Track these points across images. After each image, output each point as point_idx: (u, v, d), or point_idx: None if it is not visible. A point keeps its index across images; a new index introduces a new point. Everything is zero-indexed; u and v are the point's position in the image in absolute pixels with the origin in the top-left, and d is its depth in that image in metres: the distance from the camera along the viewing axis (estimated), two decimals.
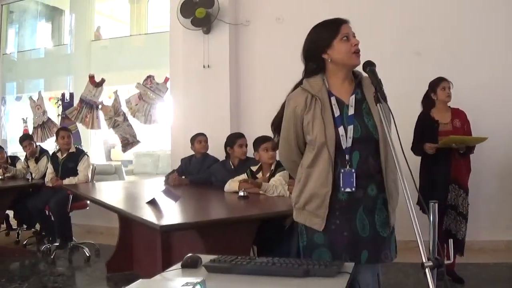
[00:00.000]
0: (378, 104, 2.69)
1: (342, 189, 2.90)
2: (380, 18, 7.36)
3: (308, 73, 3.11)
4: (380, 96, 2.69)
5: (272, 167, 5.67)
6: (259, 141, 5.75)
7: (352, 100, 2.99)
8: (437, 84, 5.86)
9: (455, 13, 7.32)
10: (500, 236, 7.17)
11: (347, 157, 2.90)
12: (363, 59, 2.94)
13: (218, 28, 7.76)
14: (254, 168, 5.85)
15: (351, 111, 2.96)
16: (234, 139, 6.50)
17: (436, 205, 2.37)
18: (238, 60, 8.00)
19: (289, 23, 7.65)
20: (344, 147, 2.90)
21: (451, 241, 5.19)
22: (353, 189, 2.89)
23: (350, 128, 2.92)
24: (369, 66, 2.86)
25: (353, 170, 2.88)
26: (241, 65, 8.01)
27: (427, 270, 2.14)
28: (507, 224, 7.05)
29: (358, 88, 3.05)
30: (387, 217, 2.98)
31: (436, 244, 2.32)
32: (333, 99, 2.99)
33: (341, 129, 2.91)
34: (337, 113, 2.95)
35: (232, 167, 6.42)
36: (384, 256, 3.00)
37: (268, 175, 5.67)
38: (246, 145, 6.47)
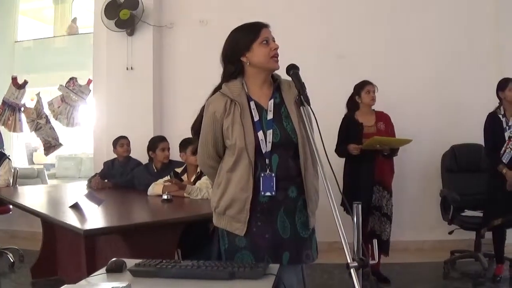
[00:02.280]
0: (301, 107, 2.73)
1: (262, 193, 2.92)
2: (303, 21, 7.45)
3: (227, 76, 3.11)
4: (303, 99, 2.74)
5: (198, 170, 5.63)
6: (187, 143, 5.72)
7: (270, 104, 3.01)
8: (362, 87, 5.96)
9: (378, 16, 7.52)
10: (425, 236, 7.39)
11: (267, 161, 2.93)
12: (287, 62, 2.96)
13: (142, 30, 7.71)
14: (178, 170, 5.84)
15: (270, 116, 2.98)
16: (156, 143, 6.47)
17: (360, 206, 2.41)
18: (162, 62, 7.95)
19: (213, 25, 7.68)
20: (264, 151, 2.92)
21: (375, 242, 5.32)
22: (273, 193, 2.92)
23: (269, 132, 2.94)
24: (293, 69, 2.90)
25: (273, 175, 2.91)
26: (164, 68, 7.97)
27: (352, 270, 2.17)
28: (431, 224, 7.22)
29: (277, 92, 3.06)
30: (307, 218, 3.01)
31: (360, 244, 2.36)
32: (252, 104, 3.00)
33: (260, 134, 2.93)
34: (256, 117, 2.97)
35: (155, 170, 6.39)
36: (306, 256, 3.02)
37: (193, 177, 5.66)
38: (168, 149, 6.46)
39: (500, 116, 5.81)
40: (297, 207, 2.98)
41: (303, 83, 2.82)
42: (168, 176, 5.72)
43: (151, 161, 6.53)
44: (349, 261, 2.19)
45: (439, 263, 6.38)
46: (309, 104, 2.77)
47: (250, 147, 2.88)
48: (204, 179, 5.47)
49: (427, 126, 7.28)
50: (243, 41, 3.02)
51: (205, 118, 3.09)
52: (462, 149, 6.82)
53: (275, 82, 3.09)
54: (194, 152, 5.54)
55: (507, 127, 5.74)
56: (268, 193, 2.93)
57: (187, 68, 7.85)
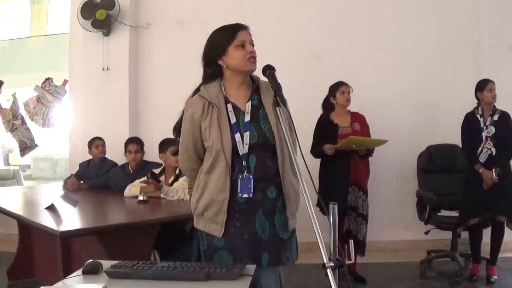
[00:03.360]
0: (277, 108, 2.73)
1: (240, 194, 2.94)
2: (281, 23, 7.46)
3: (205, 78, 3.13)
4: (280, 100, 2.75)
5: (177, 171, 5.65)
6: (167, 143, 5.74)
7: (248, 106, 3.03)
8: (337, 88, 5.98)
9: (355, 18, 7.57)
10: (401, 236, 7.44)
11: (244, 163, 2.94)
12: (264, 63, 2.98)
13: (118, 30, 7.67)
14: (156, 171, 5.81)
15: (247, 118, 3.00)
16: (125, 145, 6.51)
17: (336, 206, 2.42)
18: (138, 63, 7.90)
19: (189, 26, 7.67)
20: (241, 153, 2.94)
21: (351, 242, 5.34)
22: (251, 195, 2.94)
23: (247, 134, 2.96)
24: (269, 70, 2.91)
25: (251, 176, 2.92)
26: (140, 68, 7.91)
27: (328, 270, 2.18)
28: (407, 224, 7.28)
29: (255, 94, 3.08)
30: (286, 220, 3.02)
31: (337, 245, 2.37)
32: (229, 106, 3.02)
33: (237, 136, 2.95)
34: (233, 120, 2.99)
35: (131, 171, 6.38)
36: (285, 258, 3.04)
37: (171, 179, 5.67)
38: (137, 151, 6.45)
39: (478, 116, 5.87)
40: (277, 208, 3.00)
41: (279, 83, 2.83)
42: (145, 177, 5.70)
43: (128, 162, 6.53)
44: (325, 261, 2.21)
45: (415, 263, 6.42)
46: (285, 105, 2.79)
47: (227, 149, 2.90)
48: (182, 180, 5.48)
49: (403, 126, 7.34)
50: (219, 44, 3.03)
51: (184, 120, 3.13)
52: (438, 149, 6.88)
53: (254, 84, 3.11)
54: (175, 153, 5.56)
55: (485, 127, 5.80)
56: (245, 195, 2.95)
57: (163, 69, 7.83)
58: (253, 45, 3.03)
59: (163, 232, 4.53)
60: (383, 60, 7.47)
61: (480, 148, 5.79)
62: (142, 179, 5.67)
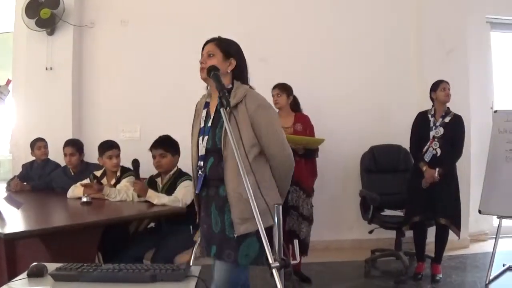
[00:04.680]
0: (221, 109, 2.77)
1: (197, 190, 3.41)
2: (225, 24, 7.45)
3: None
4: (224, 101, 2.80)
5: (118, 174, 5.68)
6: (104, 147, 5.73)
7: (214, 112, 3.33)
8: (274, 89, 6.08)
9: (301, 19, 7.68)
10: (344, 236, 7.58)
11: (201, 163, 3.30)
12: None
13: (63, 29, 7.56)
14: (98, 173, 5.82)
15: (209, 123, 3.30)
16: (63, 148, 6.42)
17: (280, 207, 2.49)
18: (82, 62, 7.79)
19: (134, 25, 7.63)
20: (200, 154, 3.35)
21: (296, 242, 5.38)
22: (197, 191, 3.42)
23: (205, 138, 3.27)
24: (213, 70, 3.08)
25: (203, 175, 3.30)
26: (84, 68, 7.80)
27: (274, 270, 2.19)
28: (351, 224, 7.44)
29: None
30: (232, 223, 3.19)
31: (281, 245, 2.41)
32: (203, 112, 3.37)
33: (200, 139, 3.31)
34: (202, 124, 3.35)
35: (73, 173, 6.33)
36: (227, 255, 3.22)
37: (113, 181, 5.67)
38: (72, 154, 6.37)
39: (430, 115, 6.02)
40: (226, 207, 3.22)
41: (224, 85, 2.97)
42: (88, 180, 5.71)
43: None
44: (270, 261, 2.23)
45: (360, 262, 6.55)
46: (229, 106, 2.85)
47: (194, 149, 3.35)
48: (125, 181, 5.51)
49: (346, 127, 7.49)
50: None
51: None
52: (381, 149, 7.03)
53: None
54: (111, 157, 5.66)
55: (434, 127, 5.93)
56: (197, 191, 3.42)
57: (107, 69, 7.74)
58: (210, 55, 3.36)
59: (106, 233, 4.53)
60: (329, 61, 7.63)
61: (426, 147, 5.92)
62: (85, 181, 5.65)
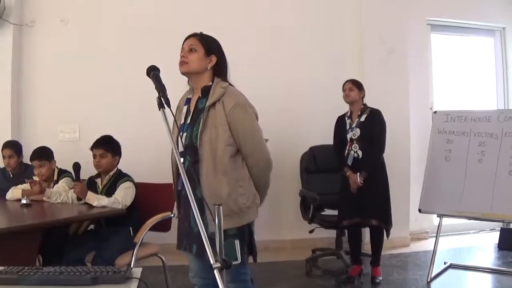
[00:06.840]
0: (161, 109, 2.72)
1: (178, 187, 3.51)
2: (161, 22, 7.41)
3: None
4: (164, 101, 2.74)
5: (55, 177, 5.66)
6: (34, 155, 5.73)
7: (193, 109, 3.36)
8: None
9: (235, 15, 7.73)
10: (285, 235, 7.64)
11: (182, 159, 3.20)
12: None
13: (2, 28, 7.35)
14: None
15: (188, 120, 3.32)
16: (1, 150, 6.29)
17: (221, 208, 2.51)
18: (21, 62, 7.61)
19: (74, 24, 7.51)
20: (179, 151, 3.13)
21: (237, 242, 5.39)
22: (179, 188, 3.50)
23: (184, 135, 3.28)
24: (153, 71, 2.89)
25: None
26: (24, 68, 7.62)
27: (215, 271, 2.21)
28: (291, 224, 7.50)
29: (204, 97, 3.34)
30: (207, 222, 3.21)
31: (222, 245, 2.42)
32: (184, 108, 3.38)
33: (183, 136, 3.28)
34: (182, 120, 3.35)
35: (11, 176, 6.22)
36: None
37: (52, 184, 5.62)
38: (11, 156, 6.20)
39: (346, 118, 6.07)
40: (204, 206, 3.15)
41: (164, 85, 2.84)
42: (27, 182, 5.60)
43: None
44: (212, 262, 2.25)
45: (301, 262, 6.60)
46: (169, 106, 2.79)
47: (175, 146, 3.05)
48: (61, 182, 5.48)
49: (286, 126, 7.56)
50: None
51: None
52: (321, 149, 7.08)
53: (207, 88, 3.39)
54: (41, 165, 5.63)
55: (350, 129, 5.97)
56: (178, 187, 3.51)
57: (47, 69, 7.57)
58: (192, 50, 3.39)
59: (46, 236, 4.48)
60: (266, 59, 7.68)
61: (346, 151, 5.96)
62: (25, 185, 5.58)
